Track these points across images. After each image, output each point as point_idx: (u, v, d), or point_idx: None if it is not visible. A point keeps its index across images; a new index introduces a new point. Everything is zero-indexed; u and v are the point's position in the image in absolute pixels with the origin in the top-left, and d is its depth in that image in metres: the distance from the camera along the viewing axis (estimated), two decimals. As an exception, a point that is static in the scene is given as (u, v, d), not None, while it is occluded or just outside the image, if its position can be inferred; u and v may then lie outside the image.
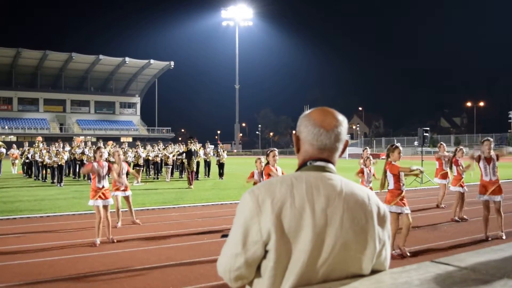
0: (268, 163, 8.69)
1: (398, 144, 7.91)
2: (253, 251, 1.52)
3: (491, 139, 9.04)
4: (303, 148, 1.69)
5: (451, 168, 11.23)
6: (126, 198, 10.46)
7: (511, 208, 12.38)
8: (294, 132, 1.75)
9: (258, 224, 1.52)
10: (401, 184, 7.46)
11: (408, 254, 7.39)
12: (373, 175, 10.97)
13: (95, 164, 8.72)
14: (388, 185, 7.55)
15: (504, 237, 8.53)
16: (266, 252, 1.52)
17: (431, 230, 9.70)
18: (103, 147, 9.66)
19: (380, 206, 1.64)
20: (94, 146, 24.74)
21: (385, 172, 7.57)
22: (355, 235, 1.55)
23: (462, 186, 10.87)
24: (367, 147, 13.79)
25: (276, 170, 8.63)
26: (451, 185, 11.23)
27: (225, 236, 1.78)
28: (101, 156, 8.84)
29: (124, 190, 10.35)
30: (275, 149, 8.96)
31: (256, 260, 1.53)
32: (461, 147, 11.52)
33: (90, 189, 8.77)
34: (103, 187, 8.65)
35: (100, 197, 8.57)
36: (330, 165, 1.66)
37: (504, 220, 8.81)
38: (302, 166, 1.68)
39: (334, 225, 1.53)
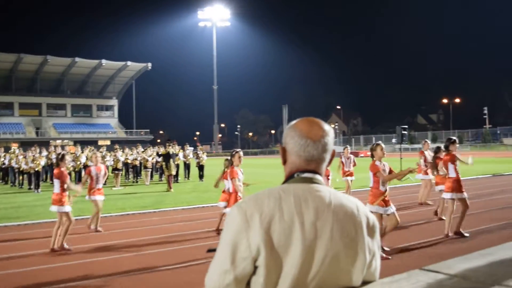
0: (232, 164, 8.68)
1: (380, 142, 7.96)
2: (242, 268, 1.48)
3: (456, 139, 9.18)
4: (290, 159, 1.66)
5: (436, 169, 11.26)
6: (101, 202, 10.29)
7: (490, 204, 12.56)
8: (279, 144, 1.72)
9: (246, 240, 1.48)
10: (381, 184, 7.46)
11: (389, 257, 7.30)
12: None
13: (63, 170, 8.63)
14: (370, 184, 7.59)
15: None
16: (255, 268, 1.48)
17: (411, 227, 9.77)
18: (68, 154, 9.55)
19: (369, 217, 1.62)
20: (63, 151, 24.44)
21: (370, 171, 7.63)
22: (345, 247, 1.53)
23: (425, 174, 11.17)
24: (347, 146, 13.88)
25: (240, 171, 8.69)
26: (435, 185, 11.31)
27: (211, 250, 1.73)
28: (66, 163, 8.77)
29: (100, 194, 10.18)
30: (240, 150, 8.96)
31: (246, 276, 1.50)
32: (426, 140, 11.86)
33: (69, 194, 8.67)
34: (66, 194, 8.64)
35: (66, 203, 8.53)
36: (318, 177, 1.63)
37: (483, 216, 8.94)
38: (289, 178, 1.64)
39: (324, 238, 1.51)
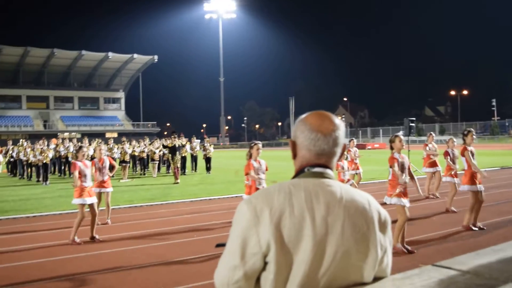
0: (251, 156, 8.62)
1: (400, 133, 7.89)
2: (252, 263, 1.47)
3: (473, 130, 9.12)
4: (300, 154, 1.64)
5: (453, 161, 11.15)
6: (106, 194, 10.29)
7: (498, 197, 12.50)
8: (290, 138, 1.69)
9: (256, 235, 1.46)
10: (400, 175, 7.38)
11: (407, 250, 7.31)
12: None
13: (80, 163, 8.64)
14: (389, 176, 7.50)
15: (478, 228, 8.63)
16: (265, 263, 1.47)
17: (421, 220, 9.73)
18: (85, 146, 9.54)
19: (381, 212, 1.59)
20: (79, 143, 24.55)
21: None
22: (356, 243, 1.51)
23: (453, 177, 10.85)
24: (353, 138, 13.81)
25: (260, 163, 8.59)
26: (443, 175, 11.26)
27: (220, 245, 1.72)
28: (83, 155, 8.77)
29: (105, 187, 10.13)
30: (259, 142, 8.88)
31: (256, 272, 1.48)
32: (451, 137, 11.65)
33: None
34: (88, 186, 8.66)
35: (86, 195, 8.53)
36: (329, 171, 1.61)
37: (492, 209, 8.89)
38: (299, 173, 1.62)
39: (335, 234, 1.49)
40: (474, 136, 8.99)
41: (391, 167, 7.37)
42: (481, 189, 8.67)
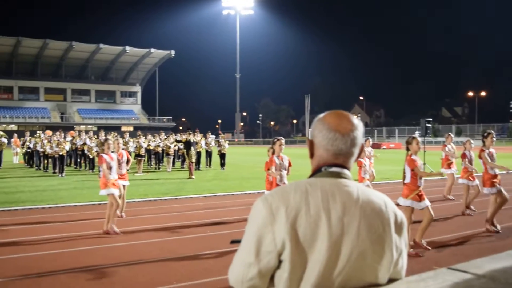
0: (273, 152, 8.61)
1: (416, 134, 7.85)
2: (266, 261, 1.47)
3: (493, 133, 9.03)
4: (318, 153, 1.64)
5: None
6: (123, 187, 10.34)
7: None
8: (305, 136, 1.69)
9: (272, 233, 1.47)
10: (418, 179, 7.34)
11: (429, 248, 7.29)
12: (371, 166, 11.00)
13: (106, 156, 8.75)
14: (405, 178, 7.43)
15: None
16: (280, 262, 1.47)
17: (437, 222, 9.66)
18: (110, 138, 9.66)
19: (397, 214, 1.59)
20: (95, 136, 24.73)
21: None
22: (372, 244, 1.50)
23: (470, 180, 10.72)
24: (369, 138, 13.68)
25: (282, 159, 8.58)
26: (460, 177, 11.14)
27: (235, 241, 1.73)
28: (108, 147, 8.89)
29: (123, 179, 10.20)
30: (281, 138, 8.85)
31: (270, 270, 1.49)
32: (468, 138, 11.51)
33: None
34: (113, 178, 8.83)
35: (111, 186, 8.70)
36: (346, 171, 1.61)
37: (509, 213, 8.80)
38: (316, 172, 1.62)
39: (351, 234, 1.48)
40: (493, 139, 8.90)
41: (413, 170, 7.28)
42: (500, 189, 8.66)
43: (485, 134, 8.91)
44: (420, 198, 7.23)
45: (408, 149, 7.44)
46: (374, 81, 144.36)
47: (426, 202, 7.25)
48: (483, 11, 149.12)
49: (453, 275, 1.54)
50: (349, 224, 1.49)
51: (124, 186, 10.19)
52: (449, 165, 12.69)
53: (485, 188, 8.78)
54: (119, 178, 9.84)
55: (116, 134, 26.87)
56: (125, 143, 23.12)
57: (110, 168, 8.78)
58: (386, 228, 1.53)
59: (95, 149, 22.10)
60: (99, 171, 19.52)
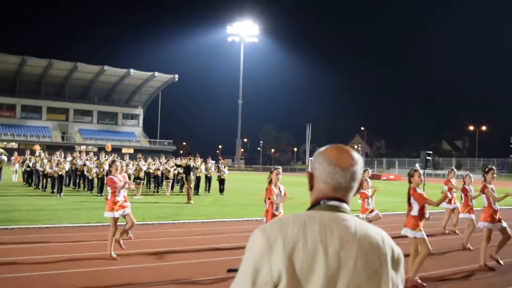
0: (271, 181, 8.57)
1: (417, 166, 7.86)
2: (262, 292, 1.47)
3: (495, 168, 9.05)
4: (317, 186, 1.65)
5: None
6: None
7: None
8: (305, 164, 1.71)
9: (268, 264, 1.47)
10: (425, 211, 7.33)
11: (424, 284, 7.19)
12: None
13: (116, 178, 8.78)
14: (411, 211, 7.38)
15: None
16: (276, 293, 1.47)
17: (435, 256, 9.60)
18: (119, 160, 9.70)
19: (394, 249, 1.59)
20: (95, 156, 24.73)
21: (409, 198, 7.39)
22: (368, 279, 1.50)
23: (471, 213, 10.71)
24: (368, 168, 13.63)
25: (279, 188, 8.54)
26: (460, 211, 11.11)
27: (232, 270, 1.73)
28: (116, 169, 8.89)
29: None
30: (279, 167, 8.84)
31: (266, 301, 1.48)
32: (468, 172, 11.50)
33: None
34: (120, 200, 8.78)
35: (117, 209, 8.65)
36: (344, 205, 1.62)
37: (508, 248, 8.75)
38: (315, 205, 1.63)
39: (348, 269, 1.49)
40: (494, 174, 8.92)
41: (423, 202, 7.26)
42: (504, 225, 8.64)
43: (487, 169, 8.94)
44: (421, 229, 7.24)
45: (410, 182, 7.43)
46: (375, 112, 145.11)
47: (424, 234, 7.25)
48: (486, 45, 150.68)
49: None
50: (346, 259, 1.49)
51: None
52: (450, 200, 12.62)
53: (486, 223, 8.75)
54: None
55: (116, 155, 26.90)
56: (126, 165, 23.12)
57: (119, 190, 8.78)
58: (383, 263, 1.54)
59: (94, 170, 22.09)
60: (98, 192, 19.43)
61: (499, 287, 7.50)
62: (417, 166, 8.22)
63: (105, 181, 23.24)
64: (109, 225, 8.67)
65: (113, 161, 9.26)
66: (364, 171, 13.17)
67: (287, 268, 1.46)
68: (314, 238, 1.50)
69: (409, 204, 7.41)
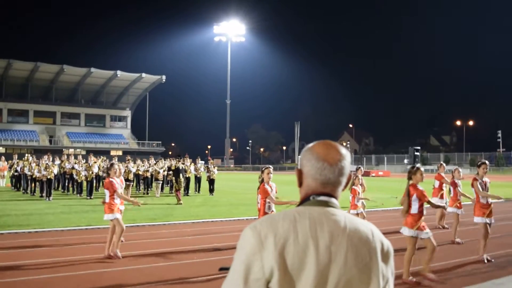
0: (262, 180, 8.58)
1: (405, 162, 7.87)
2: (255, 289, 1.48)
3: (487, 162, 9.11)
4: (306, 182, 1.67)
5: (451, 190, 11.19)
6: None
7: (502, 229, 12.41)
8: (294, 162, 1.72)
9: (260, 261, 1.48)
10: (424, 208, 7.35)
11: (436, 278, 7.19)
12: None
13: (114, 181, 8.86)
14: (410, 209, 7.31)
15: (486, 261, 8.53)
16: (268, 290, 1.48)
17: (424, 252, 9.67)
18: (116, 163, 9.74)
19: (384, 242, 1.61)
20: (84, 160, 24.60)
21: (409, 195, 7.31)
22: (359, 273, 1.52)
23: (458, 207, 10.83)
24: (361, 166, 13.64)
25: (271, 187, 8.55)
26: (448, 206, 11.19)
27: (223, 269, 1.75)
28: (115, 172, 8.96)
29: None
30: (270, 166, 8.86)
31: (258, 298, 1.50)
32: (457, 167, 11.58)
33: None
34: (117, 203, 8.86)
35: (116, 211, 8.74)
36: (334, 200, 1.64)
37: (495, 242, 8.83)
38: (304, 201, 1.65)
39: (338, 263, 1.51)
40: (486, 169, 8.98)
41: (428, 202, 7.28)
42: (491, 222, 8.72)
43: (479, 163, 9.00)
44: (424, 228, 7.21)
45: (410, 179, 7.39)
46: (364, 109, 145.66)
47: (429, 232, 7.24)
48: (476, 39, 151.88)
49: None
50: (337, 253, 1.51)
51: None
52: (441, 195, 12.65)
53: (475, 217, 8.83)
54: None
55: (105, 158, 26.78)
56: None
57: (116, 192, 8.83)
58: (373, 256, 1.55)
59: (83, 173, 21.98)
60: (88, 195, 19.34)
61: (488, 279, 7.57)
62: (406, 162, 8.24)
63: (94, 184, 23.17)
64: (109, 227, 8.73)
65: (112, 164, 9.26)
66: (357, 169, 13.20)
67: (278, 264, 1.47)
68: (305, 233, 1.51)
69: (409, 201, 7.33)
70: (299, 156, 1.74)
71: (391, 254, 1.63)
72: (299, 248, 1.49)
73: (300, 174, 1.69)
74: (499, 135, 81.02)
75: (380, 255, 1.58)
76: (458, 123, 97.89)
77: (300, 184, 1.70)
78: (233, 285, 1.51)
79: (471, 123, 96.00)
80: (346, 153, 1.68)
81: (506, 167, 74.11)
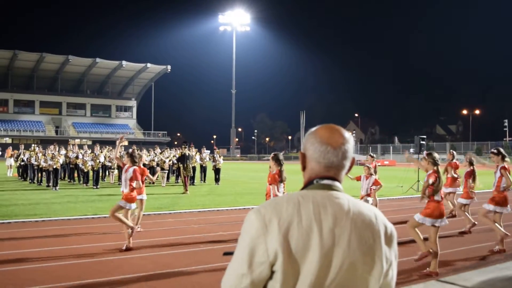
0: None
1: (411, 151, 7.79)
2: (259, 272, 1.49)
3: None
4: (309, 166, 1.67)
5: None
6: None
7: (507, 218, 12.38)
8: (299, 150, 1.72)
9: (264, 244, 1.49)
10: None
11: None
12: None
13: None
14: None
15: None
16: (272, 272, 1.49)
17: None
18: (139, 153, 10.33)
19: (387, 226, 1.62)
20: (89, 149, 24.69)
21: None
22: (362, 255, 1.53)
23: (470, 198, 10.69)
24: (374, 156, 13.47)
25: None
26: (460, 196, 11.04)
27: (228, 253, 1.76)
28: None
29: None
30: (279, 153, 8.91)
31: (262, 281, 1.51)
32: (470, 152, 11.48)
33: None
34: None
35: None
36: (337, 184, 1.64)
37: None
38: (308, 184, 1.65)
39: (342, 245, 1.51)
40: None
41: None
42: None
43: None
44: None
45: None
46: (370, 99, 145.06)
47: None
48: (482, 30, 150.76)
49: (442, 287, 1.57)
50: (340, 236, 1.52)
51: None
52: (454, 183, 12.51)
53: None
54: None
55: (111, 148, 26.85)
56: (120, 158, 23.09)
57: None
58: (376, 239, 1.56)
59: (90, 163, 22.07)
60: (94, 185, 19.45)
61: (491, 264, 7.57)
62: (412, 151, 8.17)
63: (100, 174, 23.24)
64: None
65: (133, 153, 9.55)
66: (370, 157, 13.09)
67: (282, 247, 1.48)
68: (309, 216, 1.52)
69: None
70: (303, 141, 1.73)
71: (394, 238, 1.63)
72: (303, 231, 1.50)
73: (303, 158, 1.70)
74: (506, 124, 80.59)
75: (383, 238, 1.58)
76: (465, 112, 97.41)
77: (304, 167, 1.70)
78: (237, 268, 1.53)
79: (477, 112, 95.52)
80: (349, 137, 1.67)
81: (512, 156, 73.80)
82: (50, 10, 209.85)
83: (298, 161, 1.69)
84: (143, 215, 10.73)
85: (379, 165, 19.00)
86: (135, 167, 9.00)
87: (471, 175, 10.48)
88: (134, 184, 8.83)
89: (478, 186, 10.46)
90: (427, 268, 6.59)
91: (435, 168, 7.01)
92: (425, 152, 7.67)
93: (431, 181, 6.95)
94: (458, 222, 11.39)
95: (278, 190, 8.32)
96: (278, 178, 8.36)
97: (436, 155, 7.29)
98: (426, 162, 7.17)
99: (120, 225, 9.96)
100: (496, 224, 8.49)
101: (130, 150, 10.06)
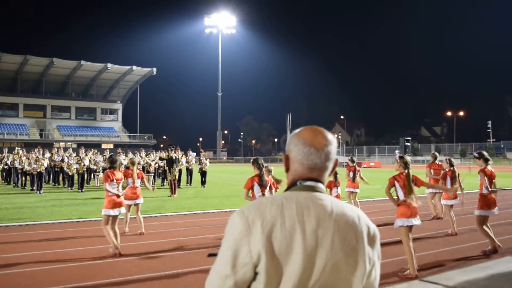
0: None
1: (396, 152, 7.90)
2: (242, 273, 1.50)
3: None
4: (293, 167, 1.68)
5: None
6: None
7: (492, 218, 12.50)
8: (283, 152, 1.73)
9: (248, 246, 1.49)
10: None
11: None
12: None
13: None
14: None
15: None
16: (256, 274, 1.49)
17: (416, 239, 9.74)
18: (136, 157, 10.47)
19: (370, 226, 1.63)
20: (74, 153, 24.50)
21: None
22: (345, 256, 1.54)
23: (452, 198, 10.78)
24: (354, 159, 13.54)
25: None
26: (443, 198, 11.12)
27: (212, 255, 1.76)
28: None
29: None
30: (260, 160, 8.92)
31: (246, 282, 1.51)
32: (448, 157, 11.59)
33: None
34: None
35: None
36: (320, 185, 1.65)
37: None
38: (291, 186, 1.66)
39: (325, 246, 1.52)
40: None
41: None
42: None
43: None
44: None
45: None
46: (355, 101, 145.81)
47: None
48: (464, 31, 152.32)
49: (425, 286, 1.58)
50: (323, 237, 1.52)
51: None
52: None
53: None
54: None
55: (95, 151, 26.68)
56: (104, 161, 22.96)
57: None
58: (359, 240, 1.57)
59: (74, 166, 21.90)
60: (79, 188, 19.36)
61: (474, 263, 7.63)
62: (397, 152, 8.27)
63: (85, 177, 23.08)
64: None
65: (131, 158, 10.03)
66: (353, 161, 13.20)
67: (266, 249, 1.48)
68: (292, 217, 1.52)
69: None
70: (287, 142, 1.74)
71: (377, 238, 1.64)
72: (286, 233, 1.50)
73: (287, 159, 1.70)
74: (489, 125, 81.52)
75: (366, 239, 1.59)
76: (449, 114, 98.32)
77: (287, 169, 1.70)
78: (221, 269, 1.53)
79: (461, 114, 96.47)
80: (332, 138, 1.68)
81: (496, 157, 74.49)
82: (34, 12, 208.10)
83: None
84: (130, 218, 10.72)
85: (364, 167, 19.06)
86: (107, 170, 8.92)
87: (451, 176, 10.65)
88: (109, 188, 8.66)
89: (457, 187, 10.56)
90: (407, 271, 6.68)
91: (406, 171, 7.15)
92: (397, 155, 7.77)
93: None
94: (441, 223, 11.49)
95: (254, 195, 8.34)
96: (258, 182, 8.38)
97: (408, 158, 7.46)
98: (398, 164, 7.31)
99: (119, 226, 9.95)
100: (491, 234, 8.52)
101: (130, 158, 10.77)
